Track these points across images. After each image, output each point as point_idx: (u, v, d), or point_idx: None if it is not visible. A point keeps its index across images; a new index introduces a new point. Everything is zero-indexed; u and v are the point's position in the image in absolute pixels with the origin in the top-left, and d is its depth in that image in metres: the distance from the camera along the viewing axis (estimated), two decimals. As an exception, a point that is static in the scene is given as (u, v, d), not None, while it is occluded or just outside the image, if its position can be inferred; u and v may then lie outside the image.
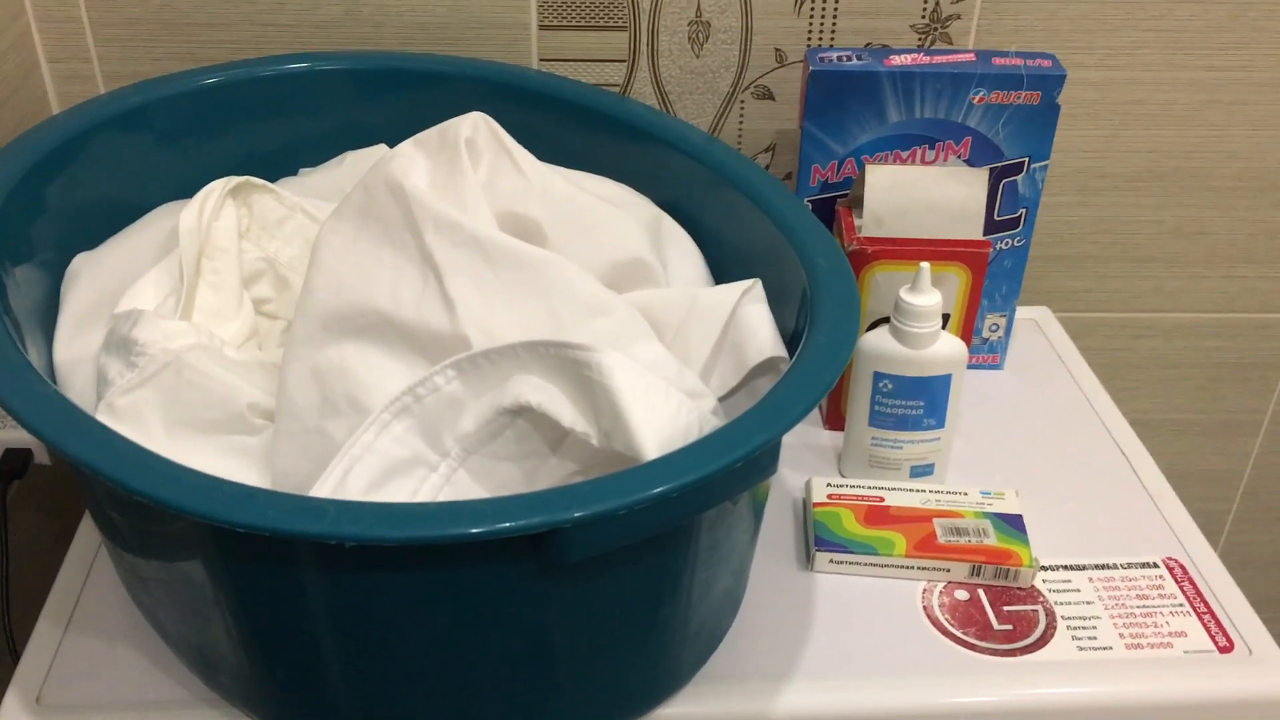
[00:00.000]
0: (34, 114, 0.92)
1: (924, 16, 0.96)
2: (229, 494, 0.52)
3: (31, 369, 0.59)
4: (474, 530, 0.50)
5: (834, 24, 0.95)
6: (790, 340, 0.68)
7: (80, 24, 0.92)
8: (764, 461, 0.57)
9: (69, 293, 0.73)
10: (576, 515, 0.50)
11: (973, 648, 0.72)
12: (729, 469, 0.53)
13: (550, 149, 0.79)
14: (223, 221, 0.75)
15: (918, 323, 0.77)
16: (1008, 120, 0.87)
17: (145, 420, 0.64)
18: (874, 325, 0.84)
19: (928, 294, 0.77)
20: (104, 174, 0.78)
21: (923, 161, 0.89)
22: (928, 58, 0.86)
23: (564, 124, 0.85)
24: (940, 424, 0.81)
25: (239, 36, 0.93)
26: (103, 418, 0.63)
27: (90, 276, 0.73)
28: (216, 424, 0.66)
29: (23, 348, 0.62)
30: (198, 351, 0.66)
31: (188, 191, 0.75)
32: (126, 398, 0.64)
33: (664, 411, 0.58)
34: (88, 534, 0.78)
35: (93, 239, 0.76)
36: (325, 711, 0.62)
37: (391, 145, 0.82)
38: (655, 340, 0.68)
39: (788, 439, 0.56)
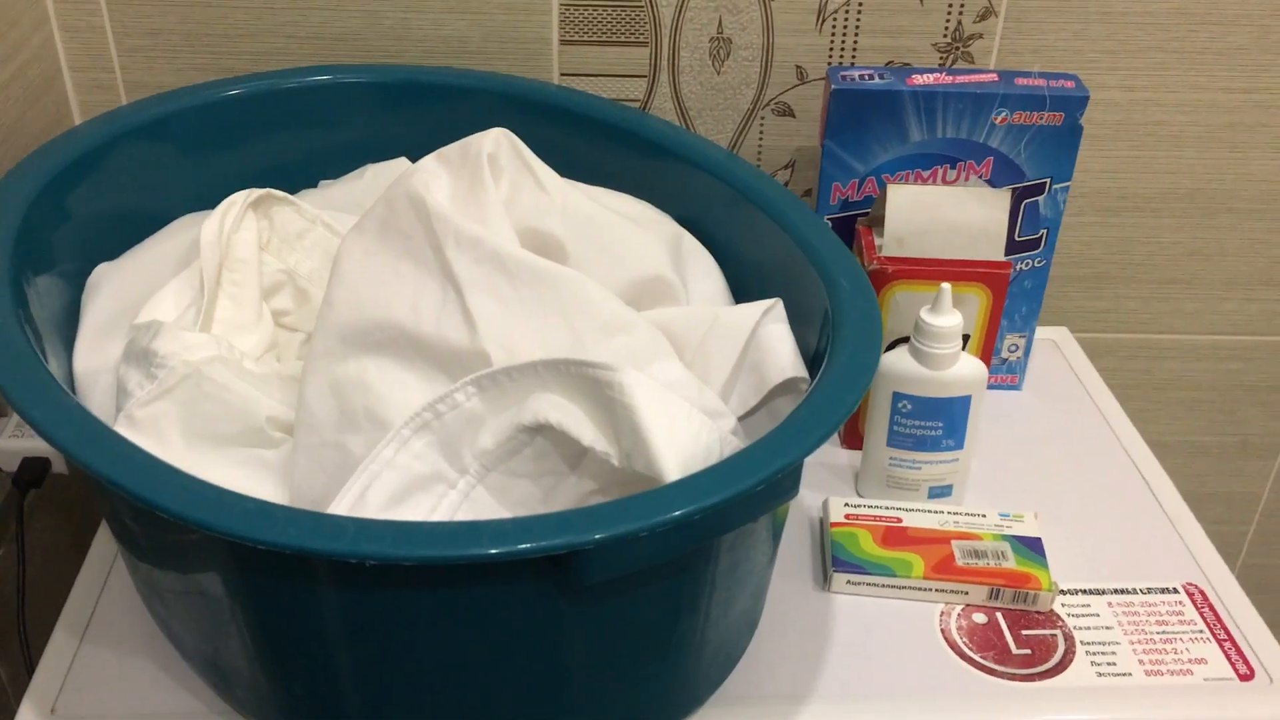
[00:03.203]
0: (56, 123, 0.92)
1: (946, 36, 0.95)
2: (248, 510, 0.51)
3: (52, 380, 0.59)
4: (494, 550, 0.50)
5: (855, 42, 0.95)
6: (811, 360, 0.68)
7: (103, 34, 0.92)
8: (785, 484, 0.56)
9: (89, 303, 0.73)
10: (597, 536, 0.50)
11: (990, 671, 0.72)
12: (750, 492, 0.53)
13: (571, 164, 0.79)
14: (243, 233, 0.75)
15: (938, 343, 0.77)
16: (1030, 141, 0.87)
17: (164, 432, 0.64)
18: (893, 345, 0.84)
19: (948, 315, 0.77)
20: (125, 185, 0.78)
21: (944, 181, 0.89)
22: (950, 77, 0.86)
23: (585, 139, 0.85)
24: (959, 445, 0.81)
25: (261, 48, 0.93)
26: (122, 429, 0.63)
27: (111, 287, 0.73)
28: (235, 437, 0.66)
29: (43, 358, 0.62)
30: (217, 364, 0.66)
31: (209, 203, 0.75)
32: (146, 409, 0.64)
33: (685, 432, 0.57)
34: (104, 544, 0.78)
35: (114, 249, 0.76)
36: (340, 728, 0.62)
37: (412, 159, 0.82)
38: (675, 359, 0.67)
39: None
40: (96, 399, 0.68)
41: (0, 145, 0.82)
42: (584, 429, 0.59)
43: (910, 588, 0.76)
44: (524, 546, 0.50)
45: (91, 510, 0.94)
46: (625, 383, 0.57)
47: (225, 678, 0.65)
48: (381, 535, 0.50)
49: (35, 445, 0.79)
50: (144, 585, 0.68)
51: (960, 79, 0.86)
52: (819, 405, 0.58)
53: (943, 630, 0.74)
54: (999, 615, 0.75)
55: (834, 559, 0.77)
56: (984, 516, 0.79)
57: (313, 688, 0.61)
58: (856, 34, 0.95)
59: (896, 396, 0.79)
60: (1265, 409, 1.15)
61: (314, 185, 0.87)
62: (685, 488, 0.53)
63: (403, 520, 0.57)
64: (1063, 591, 0.77)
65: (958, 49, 0.96)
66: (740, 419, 0.68)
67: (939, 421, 0.79)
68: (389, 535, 0.50)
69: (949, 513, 0.80)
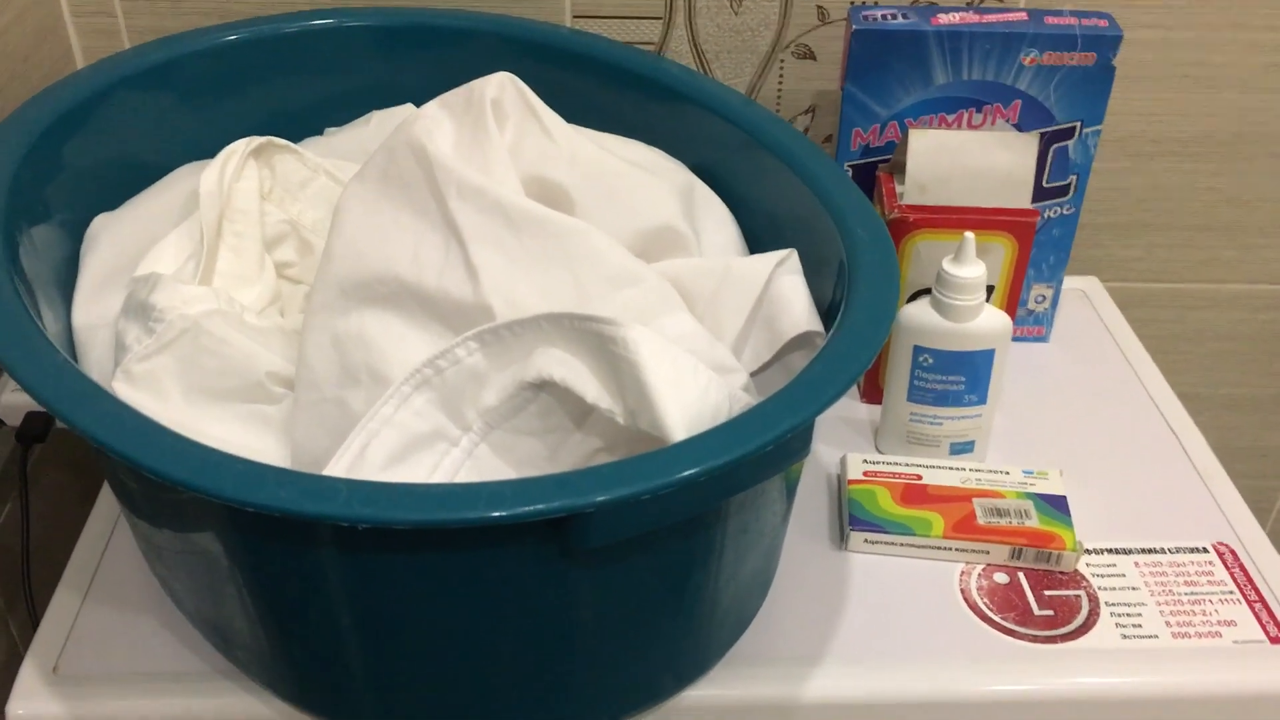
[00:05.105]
0: (59, 69, 0.90)
1: (974, -27, 0.92)
2: (240, 472, 0.50)
3: (40, 335, 0.57)
4: (491, 514, 0.48)
5: (879, -20, 0.92)
6: (827, 313, 0.66)
7: (104, -23, 0.90)
8: (795, 445, 0.54)
9: (88, 254, 0.71)
10: (599, 499, 0.48)
11: (1012, 633, 0.70)
12: (759, 453, 0.51)
13: (581, 110, 0.77)
14: (244, 183, 0.73)
15: (961, 295, 0.74)
16: (1060, 82, 0.84)
17: (163, 387, 0.63)
18: (914, 296, 0.81)
19: (972, 265, 0.74)
20: (125, 133, 0.76)
21: (969, 125, 0.86)
22: (977, 16, 0.83)
23: (596, 84, 0.82)
24: (982, 400, 0.78)
25: (265, -9, 0.91)
26: (119, 384, 0.62)
27: (110, 238, 0.72)
28: (235, 392, 0.64)
29: (35, 313, 0.61)
30: (216, 317, 0.64)
31: (210, 151, 0.73)
32: (144, 364, 0.62)
33: (692, 390, 0.55)
34: (108, 501, 0.77)
35: (113, 199, 0.74)
36: (341, 689, 0.61)
37: (419, 104, 0.79)
38: (685, 312, 0.65)
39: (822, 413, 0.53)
40: (96, 353, 0.67)
41: (0, 93, 0.80)
42: (588, 385, 0.57)
43: (930, 547, 0.74)
44: (522, 510, 0.48)
45: (98, 465, 0.93)
46: (630, 338, 0.55)
47: (227, 638, 0.64)
48: (375, 498, 0.49)
49: (38, 400, 0.78)
50: (145, 545, 0.67)
51: (988, 18, 0.83)
52: (832, 362, 0.56)
53: (963, 590, 0.72)
54: (1021, 575, 0.73)
55: (851, 517, 0.75)
56: (1007, 474, 0.77)
57: (313, 650, 0.60)
58: (880, -28, 0.91)
59: (917, 350, 0.77)
60: (1302, 360, 1.12)
61: (319, 133, 0.85)
62: (690, 448, 0.51)
63: (397, 483, 0.55)
64: (1088, 551, 0.75)
65: (986, -13, 0.93)
66: (753, 374, 0.66)
67: (961, 376, 0.77)
68: (382, 498, 0.49)
69: (971, 470, 0.77)
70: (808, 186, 0.70)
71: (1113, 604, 0.72)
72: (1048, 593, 0.72)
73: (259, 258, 0.73)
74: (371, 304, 0.64)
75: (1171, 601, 0.72)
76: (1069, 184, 0.88)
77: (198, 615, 0.65)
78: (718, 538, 0.58)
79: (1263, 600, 0.72)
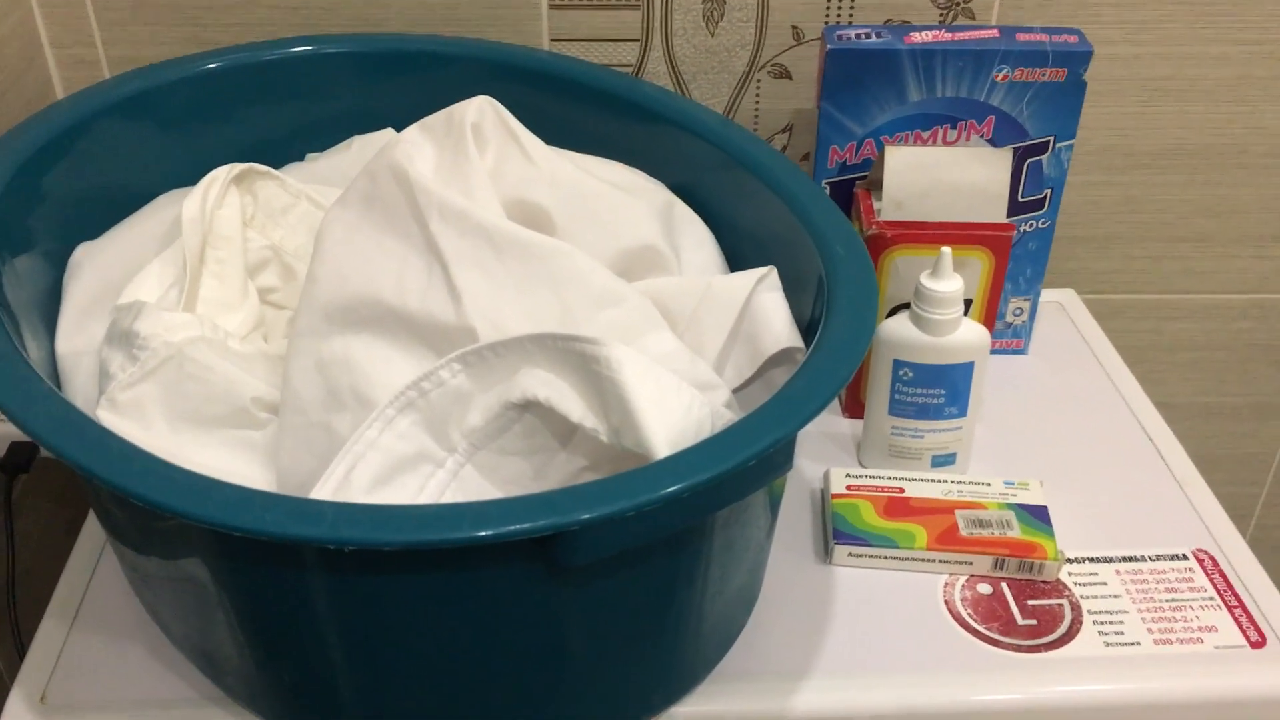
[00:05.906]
0: (38, 99, 0.90)
1: (945, -9, 0.93)
2: (226, 497, 0.50)
3: (25, 365, 0.57)
4: (476, 533, 0.48)
5: (853, 0, 0.93)
6: (807, 329, 0.66)
7: (84, 7, 0.90)
8: (778, 459, 0.55)
9: (71, 283, 0.71)
10: (583, 517, 0.49)
11: (996, 643, 0.70)
12: (742, 467, 0.51)
13: (560, 132, 0.77)
14: (226, 210, 0.73)
15: (939, 309, 0.75)
16: (1032, 98, 0.85)
17: (147, 415, 0.63)
18: (893, 311, 0.82)
19: (949, 280, 0.75)
20: (106, 161, 0.76)
21: (944, 142, 0.86)
22: (949, 34, 0.84)
23: (574, 106, 0.83)
24: (962, 412, 0.79)
25: (244, 19, 0.91)
26: (104, 413, 0.62)
27: (93, 266, 0.72)
28: (220, 418, 0.65)
29: (20, 341, 0.61)
30: (200, 344, 0.64)
31: (192, 179, 0.74)
32: (128, 392, 0.63)
33: (675, 407, 0.56)
34: (93, 530, 0.77)
35: (95, 228, 0.74)
36: (330, 712, 0.61)
37: (399, 129, 0.80)
38: (667, 330, 0.66)
39: (805, 428, 0.54)
40: (80, 381, 0.67)
41: (-21, 124, 0.81)
42: (572, 405, 0.57)
43: (913, 559, 0.74)
44: (507, 529, 0.48)
45: (83, 495, 0.93)
46: (613, 357, 0.56)
47: (215, 664, 0.64)
48: (361, 520, 0.49)
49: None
50: (131, 572, 0.67)
51: (960, 36, 0.84)
52: (812, 377, 0.56)
53: (947, 602, 0.73)
54: (1004, 585, 0.74)
55: (835, 531, 0.75)
56: (988, 485, 0.78)
57: (302, 673, 0.60)
58: (853, -8, 0.93)
59: (897, 364, 0.77)
60: (1277, 369, 1.13)
61: (300, 159, 0.85)
62: (674, 465, 0.51)
63: (383, 504, 0.56)
64: (1069, 560, 0.76)
65: (958, 5, 0.94)
66: (735, 391, 0.66)
67: (941, 389, 0.78)
68: (368, 520, 0.49)
69: (952, 482, 0.78)
70: (786, 204, 0.71)
71: (1095, 612, 0.72)
72: (1031, 602, 0.73)
73: (242, 284, 0.73)
74: (355, 328, 0.64)
75: (1153, 609, 0.73)
76: (1044, 198, 0.89)
77: (185, 642, 0.65)
78: (703, 554, 0.58)
79: (1243, 606, 0.73)
